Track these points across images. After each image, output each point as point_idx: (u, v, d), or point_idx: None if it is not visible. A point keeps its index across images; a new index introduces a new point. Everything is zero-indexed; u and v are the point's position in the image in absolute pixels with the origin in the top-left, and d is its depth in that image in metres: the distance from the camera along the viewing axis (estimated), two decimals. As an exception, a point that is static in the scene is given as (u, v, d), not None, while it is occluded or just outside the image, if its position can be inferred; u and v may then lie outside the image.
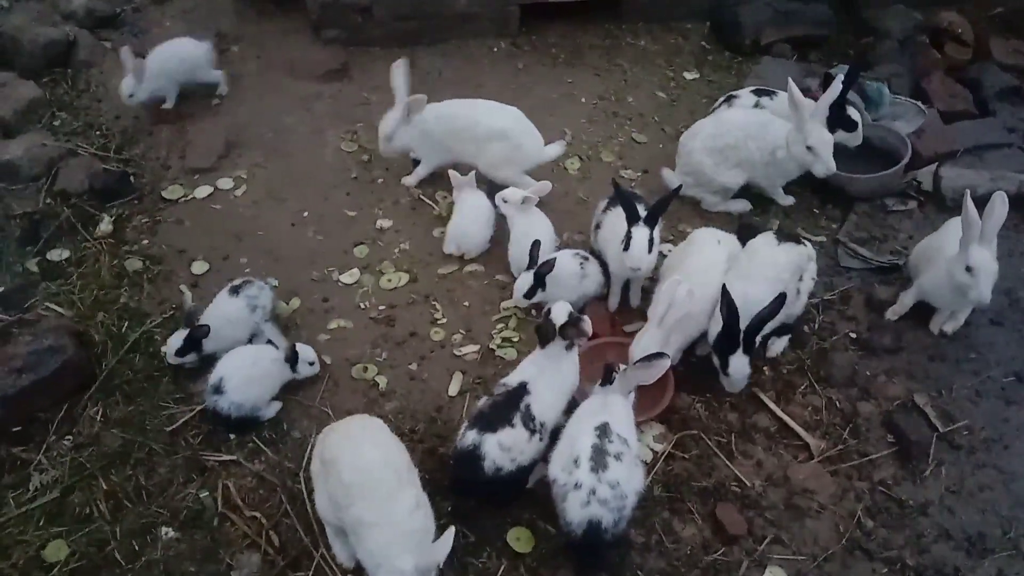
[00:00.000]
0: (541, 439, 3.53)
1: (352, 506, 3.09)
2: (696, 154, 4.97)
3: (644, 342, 3.81)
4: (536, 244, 4.38)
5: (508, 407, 3.50)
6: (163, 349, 4.19)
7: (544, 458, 3.53)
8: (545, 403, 3.56)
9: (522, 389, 3.56)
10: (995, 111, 5.77)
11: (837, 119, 5.05)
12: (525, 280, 4.34)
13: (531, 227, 4.60)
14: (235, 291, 4.22)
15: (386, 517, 3.03)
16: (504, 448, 3.41)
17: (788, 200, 5.23)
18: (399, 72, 4.95)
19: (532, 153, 5.01)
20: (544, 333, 3.64)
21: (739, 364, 3.85)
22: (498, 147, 4.90)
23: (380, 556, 3.00)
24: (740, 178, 5.00)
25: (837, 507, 3.72)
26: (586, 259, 4.51)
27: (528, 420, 3.48)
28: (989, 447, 3.95)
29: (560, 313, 3.65)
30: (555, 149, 5.12)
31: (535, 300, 4.37)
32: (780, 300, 3.79)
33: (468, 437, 3.45)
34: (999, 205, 3.93)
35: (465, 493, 3.61)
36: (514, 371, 3.69)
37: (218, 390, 3.81)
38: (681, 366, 4.19)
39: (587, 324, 3.68)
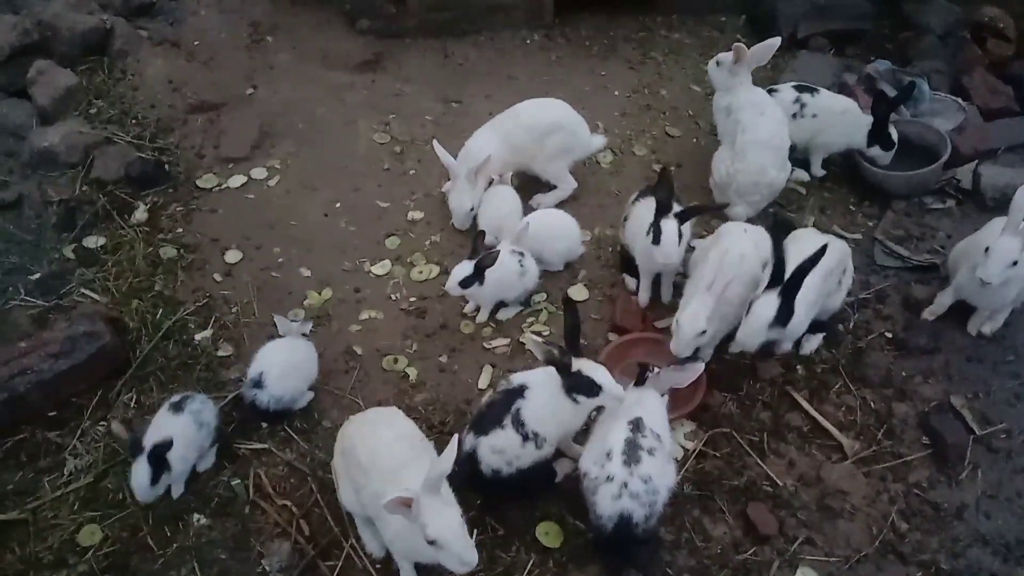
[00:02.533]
0: (538, 447, 3.42)
1: (369, 483, 3.10)
2: (770, 186, 4.81)
3: (694, 307, 3.72)
4: (480, 234, 4.34)
5: (501, 408, 3.41)
6: (197, 337, 4.23)
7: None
8: (539, 415, 3.40)
9: (518, 392, 3.44)
10: (1037, 108, 5.66)
11: (878, 135, 4.99)
12: (463, 269, 4.19)
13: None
14: (177, 408, 3.69)
15: (400, 477, 2.98)
16: (496, 451, 3.38)
17: (820, 171, 5.30)
18: (441, 149, 4.79)
19: (585, 139, 5.04)
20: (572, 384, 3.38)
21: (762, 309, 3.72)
22: (558, 138, 4.90)
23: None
24: (788, 168, 4.93)
25: (870, 509, 3.67)
26: (522, 255, 4.40)
27: (518, 425, 3.37)
28: (1027, 451, 3.89)
29: (599, 376, 3.34)
30: (600, 140, 5.15)
31: (470, 291, 4.25)
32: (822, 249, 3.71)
33: (467, 440, 3.42)
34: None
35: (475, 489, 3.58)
36: (527, 372, 3.57)
37: (258, 384, 3.81)
38: (713, 363, 4.14)
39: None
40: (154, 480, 3.46)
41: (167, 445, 3.46)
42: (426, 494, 2.81)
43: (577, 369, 3.30)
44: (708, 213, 4.18)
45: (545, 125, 4.88)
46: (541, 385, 3.43)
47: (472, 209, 4.83)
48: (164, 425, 3.61)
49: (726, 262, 3.75)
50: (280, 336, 4.02)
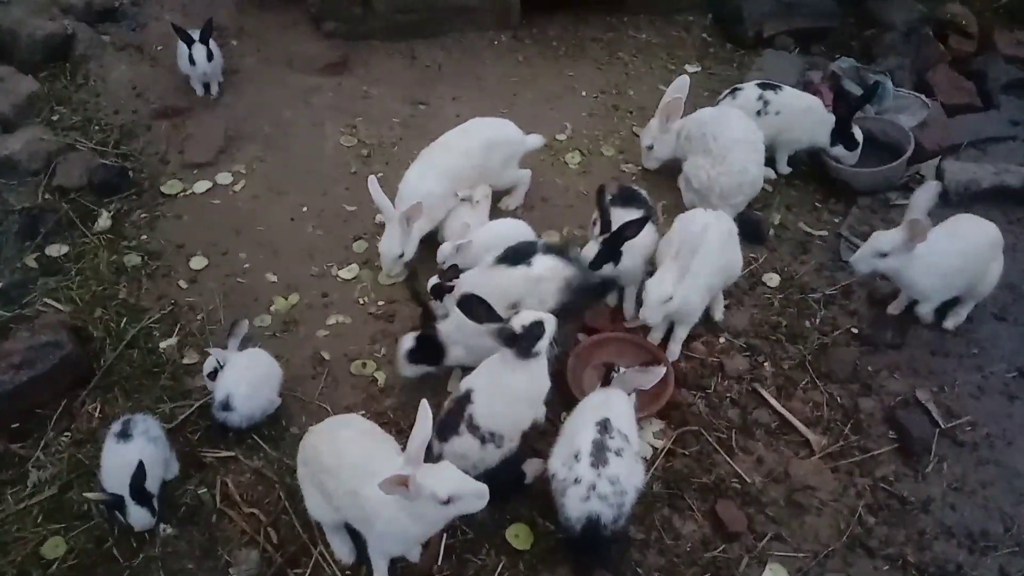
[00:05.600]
0: (499, 447, 3.43)
1: (341, 484, 3.08)
2: (752, 185, 4.84)
3: (660, 274, 3.80)
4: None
5: (455, 415, 3.43)
6: (162, 345, 4.18)
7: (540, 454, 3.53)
8: (491, 413, 3.40)
9: (466, 398, 3.44)
10: (999, 104, 5.73)
11: (841, 135, 5.03)
12: (432, 280, 4.22)
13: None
14: (125, 435, 3.54)
15: (373, 468, 2.94)
16: (459, 456, 3.36)
17: (786, 169, 5.34)
18: (376, 188, 4.39)
19: (518, 138, 4.92)
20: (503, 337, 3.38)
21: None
22: (498, 153, 4.79)
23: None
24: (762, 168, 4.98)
25: (838, 504, 3.70)
26: None
27: (473, 429, 3.38)
28: (992, 443, 3.93)
29: (523, 321, 3.35)
30: (535, 139, 5.04)
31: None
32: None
33: (434, 448, 3.41)
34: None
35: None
36: (467, 376, 3.56)
37: (227, 407, 3.76)
38: (682, 361, 4.17)
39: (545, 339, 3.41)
40: (152, 512, 3.42)
41: (141, 473, 3.36)
42: (416, 466, 2.84)
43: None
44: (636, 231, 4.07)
45: (481, 147, 4.70)
46: (484, 385, 3.45)
47: (402, 256, 4.45)
48: (121, 457, 3.46)
49: (690, 231, 3.81)
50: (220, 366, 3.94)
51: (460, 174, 4.68)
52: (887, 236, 4.02)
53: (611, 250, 4.02)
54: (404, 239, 4.44)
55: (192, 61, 5.54)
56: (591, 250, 4.03)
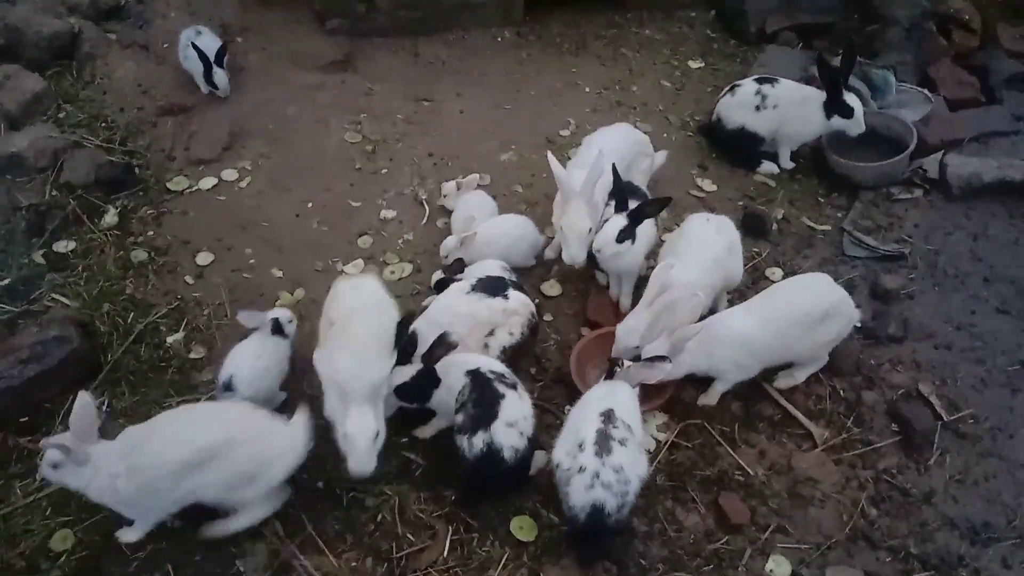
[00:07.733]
0: (520, 390, 3.58)
1: None
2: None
3: (630, 322, 3.80)
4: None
5: (486, 389, 3.49)
6: (168, 339, 4.23)
7: (544, 447, 3.58)
8: (489, 360, 3.67)
9: (476, 373, 3.55)
10: (1002, 99, 5.76)
11: (834, 105, 5.04)
12: (436, 275, 4.41)
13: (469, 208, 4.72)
14: None
15: None
16: (511, 424, 3.41)
17: (789, 164, 5.37)
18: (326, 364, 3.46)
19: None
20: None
21: None
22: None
23: None
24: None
25: (841, 496, 3.71)
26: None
27: (501, 378, 3.53)
28: (994, 436, 3.94)
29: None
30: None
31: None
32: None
33: (476, 442, 3.40)
34: None
35: (486, 492, 3.62)
36: (446, 378, 3.64)
37: (229, 387, 3.79)
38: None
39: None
40: None
41: None
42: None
43: None
44: (658, 209, 4.18)
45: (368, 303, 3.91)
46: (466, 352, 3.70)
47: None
48: None
49: (672, 285, 3.77)
50: (249, 334, 3.98)
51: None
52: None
53: (635, 223, 4.04)
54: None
55: (214, 85, 5.62)
56: (615, 224, 4.02)
